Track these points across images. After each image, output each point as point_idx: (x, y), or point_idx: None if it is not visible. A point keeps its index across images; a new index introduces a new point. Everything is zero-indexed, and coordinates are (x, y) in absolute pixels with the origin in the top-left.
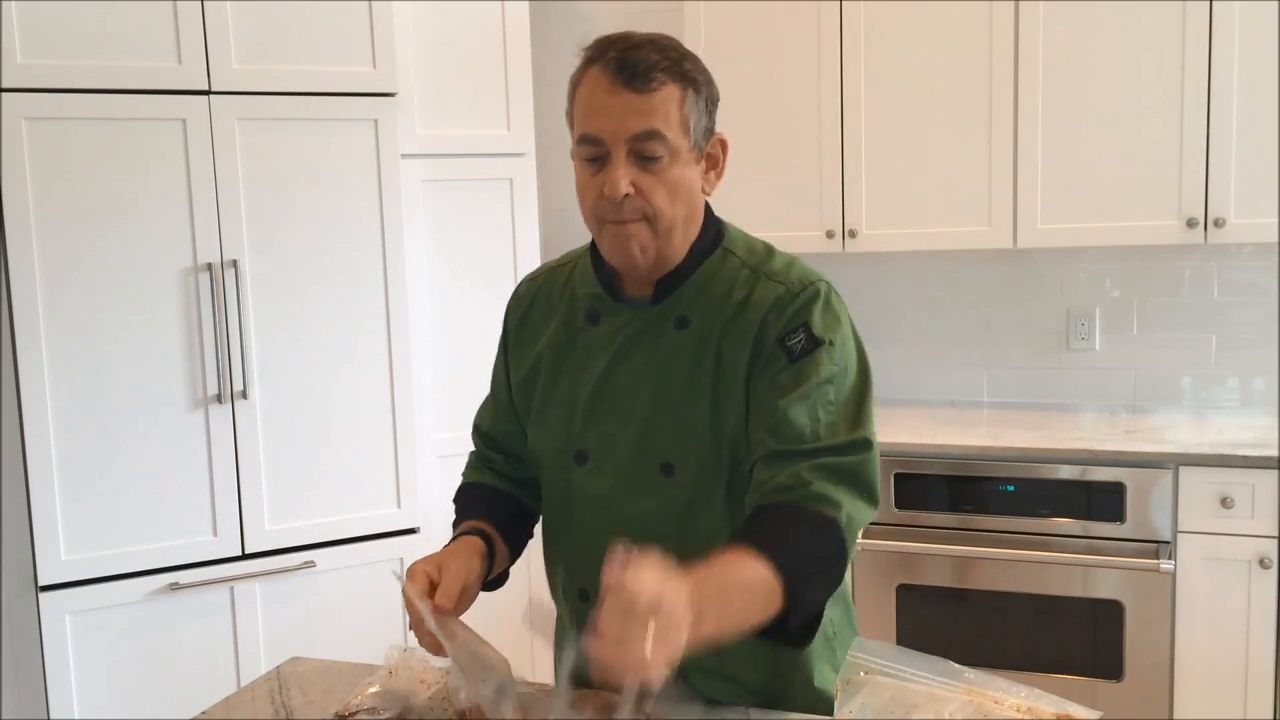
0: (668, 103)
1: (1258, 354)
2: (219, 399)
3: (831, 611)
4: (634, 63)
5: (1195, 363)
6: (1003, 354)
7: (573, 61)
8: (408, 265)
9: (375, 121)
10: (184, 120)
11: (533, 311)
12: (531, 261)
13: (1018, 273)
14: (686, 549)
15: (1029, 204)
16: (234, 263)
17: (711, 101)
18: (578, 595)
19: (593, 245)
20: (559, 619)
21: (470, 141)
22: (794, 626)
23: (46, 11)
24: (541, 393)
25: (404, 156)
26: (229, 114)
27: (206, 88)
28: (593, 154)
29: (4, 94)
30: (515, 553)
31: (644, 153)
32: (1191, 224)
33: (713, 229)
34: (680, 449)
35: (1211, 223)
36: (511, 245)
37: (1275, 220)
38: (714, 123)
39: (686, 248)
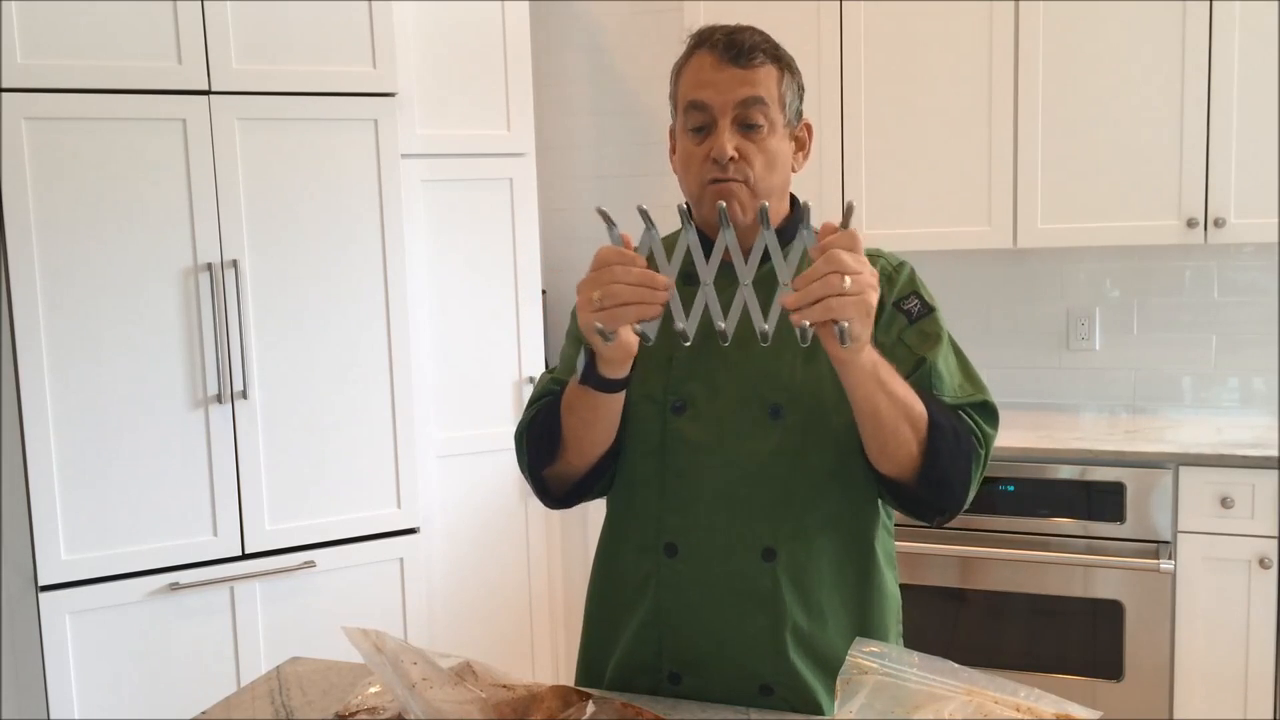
0: (768, 79)
1: (1258, 354)
2: (219, 399)
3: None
4: (739, 42)
5: (1195, 363)
6: (1003, 354)
7: (573, 61)
8: (408, 265)
9: (375, 121)
10: (184, 120)
11: None
12: (531, 261)
13: (1018, 273)
14: (797, 491)
15: (1029, 204)
16: (234, 263)
17: (801, 87)
18: (663, 550)
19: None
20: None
21: (470, 141)
22: (924, 489)
23: (46, 11)
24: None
25: (404, 156)
26: (229, 114)
27: (206, 88)
28: (700, 122)
29: (4, 94)
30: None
31: (747, 120)
32: (1191, 224)
33: (798, 214)
34: (792, 393)
35: (1211, 223)
36: (511, 245)
37: (1275, 220)
38: (803, 107)
39: (780, 219)
